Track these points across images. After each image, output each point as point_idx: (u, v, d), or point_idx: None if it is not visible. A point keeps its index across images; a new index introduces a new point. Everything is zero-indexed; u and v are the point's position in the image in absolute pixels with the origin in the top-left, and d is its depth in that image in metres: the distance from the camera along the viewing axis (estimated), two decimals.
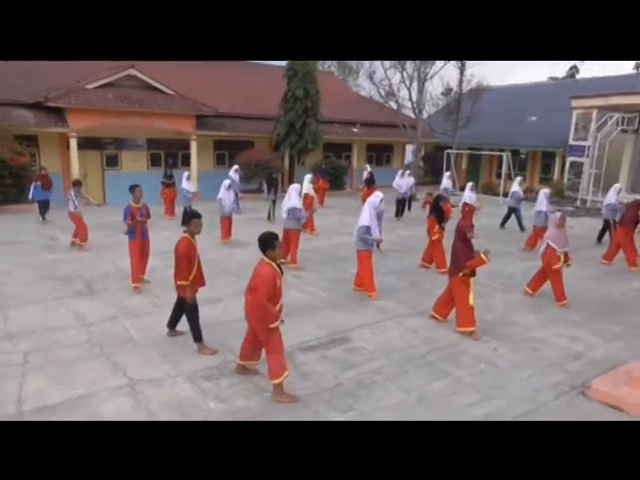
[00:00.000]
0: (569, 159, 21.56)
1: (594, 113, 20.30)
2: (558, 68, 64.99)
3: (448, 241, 7.83)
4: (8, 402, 4.54)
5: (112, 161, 19.00)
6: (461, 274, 6.44)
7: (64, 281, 8.28)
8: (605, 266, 10.50)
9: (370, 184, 16.24)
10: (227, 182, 11.95)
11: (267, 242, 4.72)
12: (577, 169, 21.13)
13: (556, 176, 22.95)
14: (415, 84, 23.55)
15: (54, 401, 4.59)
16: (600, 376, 5.38)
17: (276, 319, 4.64)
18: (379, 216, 8.58)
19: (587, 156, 20.63)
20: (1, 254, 9.91)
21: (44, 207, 13.40)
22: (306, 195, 12.11)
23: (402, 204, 16.03)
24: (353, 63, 40.53)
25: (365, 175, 17.58)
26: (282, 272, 4.83)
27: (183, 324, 5.94)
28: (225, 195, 11.58)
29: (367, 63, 28.09)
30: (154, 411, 4.50)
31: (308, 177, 12.78)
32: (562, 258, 7.73)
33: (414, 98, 23.82)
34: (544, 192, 11.81)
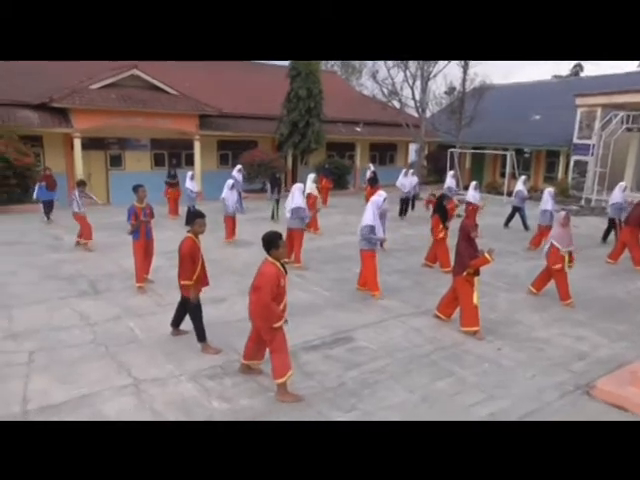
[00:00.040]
0: (573, 158, 21.48)
1: (598, 111, 20.22)
2: (562, 66, 64.80)
3: (452, 240, 7.82)
4: (13, 401, 4.56)
5: (116, 161, 19.07)
6: (465, 273, 6.43)
7: (68, 281, 8.31)
8: (610, 265, 10.45)
9: (373, 183, 16.22)
10: (230, 182, 11.96)
11: (271, 242, 4.72)
12: (581, 168, 21.05)
13: (560, 175, 22.88)
14: (418, 83, 23.49)
15: (58, 400, 4.61)
16: (605, 376, 5.36)
17: (280, 319, 4.64)
18: (382, 215, 8.57)
19: (592, 155, 20.55)
20: (6, 254, 9.95)
21: (48, 207, 13.47)
22: (309, 195, 12.11)
23: (406, 203, 16.00)
24: (356, 62, 40.51)
25: (368, 174, 17.56)
26: (286, 271, 4.83)
27: (187, 323, 5.95)
28: (228, 195, 11.59)
29: (370, 62, 28.08)
30: (158, 410, 4.51)
31: (311, 177, 12.77)
32: (566, 257, 7.71)
33: (417, 97, 23.76)
34: (549, 191, 11.77)
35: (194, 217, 5.79)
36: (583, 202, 19.85)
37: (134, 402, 4.65)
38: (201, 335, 5.74)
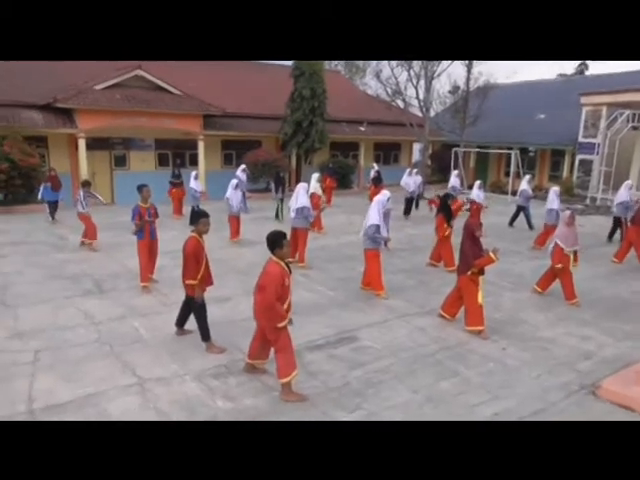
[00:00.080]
0: (578, 157, 21.39)
1: (604, 110, 20.12)
2: (567, 65, 64.40)
3: (456, 239, 7.80)
4: (19, 400, 4.58)
5: (120, 161, 19.12)
6: (470, 273, 6.41)
7: (73, 280, 8.34)
8: (616, 265, 10.40)
9: (377, 183, 16.20)
10: (234, 181, 11.98)
11: (275, 241, 4.73)
12: (587, 167, 20.96)
13: (565, 174, 22.78)
14: (422, 82, 23.47)
15: (64, 399, 4.62)
16: (611, 376, 5.33)
17: (283, 318, 4.64)
18: (386, 215, 8.57)
19: (597, 153, 20.45)
20: (11, 254, 10.00)
21: (53, 207, 13.53)
22: (313, 194, 12.11)
23: (410, 203, 15.98)
24: (360, 62, 40.45)
25: (372, 174, 17.55)
26: (290, 271, 4.83)
27: (191, 323, 5.96)
28: (233, 194, 11.61)
29: (374, 62, 28.02)
30: (162, 409, 4.52)
31: (315, 176, 12.77)
32: (571, 257, 7.68)
33: (421, 96, 23.74)
34: (554, 190, 11.72)
35: (198, 217, 5.80)
36: (588, 201, 19.76)
37: (139, 401, 4.66)
38: (205, 334, 5.75)
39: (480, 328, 6.40)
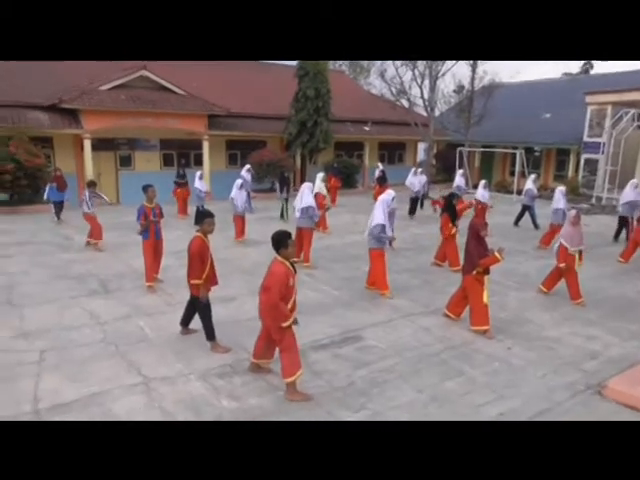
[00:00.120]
0: (584, 156, 21.30)
1: (609, 109, 20.02)
2: (572, 64, 64.15)
3: (461, 239, 7.78)
4: (24, 400, 4.60)
5: (125, 161, 19.18)
6: (475, 272, 6.40)
7: (79, 280, 8.37)
8: (621, 264, 10.35)
9: (382, 182, 16.16)
10: (239, 181, 12.00)
11: (280, 241, 4.73)
12: (592, 166, 20.86)
13: (570, 173, 22.70)
14: (427, 82, 23.39)
15: (69, 399, 4.64)
16: (617, 375, 5.31)
17: (287, 318, 4.64)
18: (391, 214, 8.56)
19: (602, 153, 20.35)
20: (17, 254, 10.04)
21: (59, 207, 13.59)
22: (317, 194, 12.11)
23: (415, 202, 15.94)
24: (364, 62, 40.42)
25: (377, 173, 17.52)
26: (295, 271, 4.83)
27: (196, 322, 5.97)
28: (237, 194, 11.62)
29: (378, 62, 28.00)
30: (167, 409, 4.53)
31: (320, 176, 12.76)
32: (577, 256, 7.65)
33: (426, 96, 23.67)
34: (560, 189, 11.68)
35: (203, 217, 5.80)
36: (594, 200, 19.66)
37: (144, 401, 4.67)
38: (210, 334, 5.76)
39: (485, 328, 6.39)
